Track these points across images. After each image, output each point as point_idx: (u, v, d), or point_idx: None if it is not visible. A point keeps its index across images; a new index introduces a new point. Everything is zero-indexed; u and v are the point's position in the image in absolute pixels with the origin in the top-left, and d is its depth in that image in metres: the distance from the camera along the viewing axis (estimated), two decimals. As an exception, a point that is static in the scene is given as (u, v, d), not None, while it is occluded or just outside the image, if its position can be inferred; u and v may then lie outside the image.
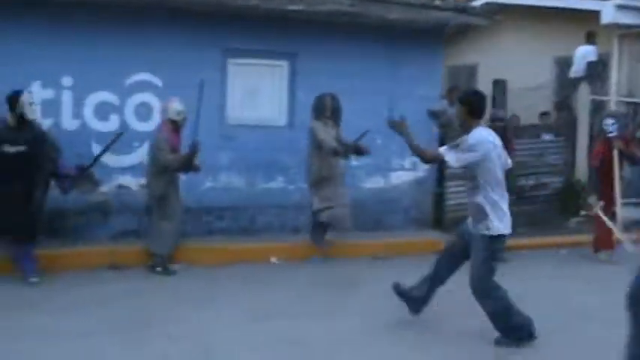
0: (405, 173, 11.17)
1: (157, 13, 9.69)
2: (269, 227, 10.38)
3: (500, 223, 6.18)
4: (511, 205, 11.07)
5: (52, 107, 9.37)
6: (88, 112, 9.52)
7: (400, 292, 6.78)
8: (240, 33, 10.12)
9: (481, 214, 6.21)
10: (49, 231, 9.11)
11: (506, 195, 6.31)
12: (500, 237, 6.22)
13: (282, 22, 10.22)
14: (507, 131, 9.94)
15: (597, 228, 9.94)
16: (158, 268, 8.51)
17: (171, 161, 8.50)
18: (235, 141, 10.22)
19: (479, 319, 6.82)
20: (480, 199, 6.21)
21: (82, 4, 9.29)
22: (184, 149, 8.72)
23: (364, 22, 10.52)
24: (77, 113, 9.49)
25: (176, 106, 8.69)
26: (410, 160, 10.94)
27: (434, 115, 11.30)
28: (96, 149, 9.43)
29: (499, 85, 15.36)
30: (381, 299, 7.40)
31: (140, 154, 9.69)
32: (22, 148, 7.84)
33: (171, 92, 9.63)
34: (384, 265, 9.38)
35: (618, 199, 9.39)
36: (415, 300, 6.69)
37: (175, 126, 8.73)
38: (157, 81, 9.82)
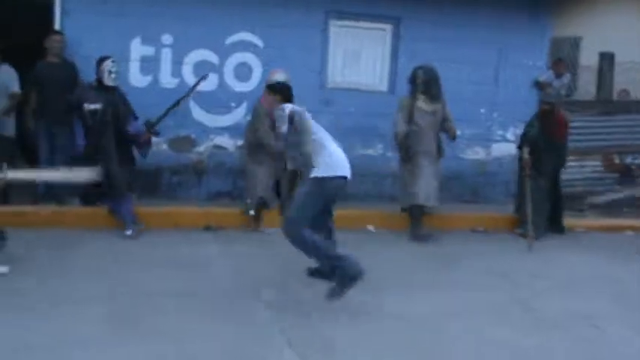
0: (507, 145, 10.74)
1: (259, -29, 9.51)
2: (366, 195, 10.11)
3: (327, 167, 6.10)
4: (615, 184, 10.76)
5: (151, 64, 9.33)
6: (187, 70, 9.43)
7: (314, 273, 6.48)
8: (343, -6, 9.86)
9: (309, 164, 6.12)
10: (145, 189, 9.10)
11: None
12: (327, 179, 6.08)
13: (386, -15, 9.95)
14: (554, 114, 9.28)
15: None
16: (251, 212, 8.50)
17: (271, 147, 8.32)
18: (334, 105, 9.98)
19: (582, 301, 6.56)
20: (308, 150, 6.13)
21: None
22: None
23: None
24: (176, 71, 9.41)
25: (278, 76, 8.49)
26: (513, 131, 10.56)
27: (539, 85, 10.86)
28: (194, 108, 9.39)
29: (606, 58, 14.76)
30: (483, 275, 7.24)
31: (237, 115, 9.58)
32: (98, 105, 7.94)
33: (271, 52, 9.55)
34: (483, 239, 9.07)
35: None
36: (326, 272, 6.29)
37: None
38: (258, 41, 9.64)
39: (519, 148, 9.38)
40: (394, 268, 7.38)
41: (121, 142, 8.12)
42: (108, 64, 8.01)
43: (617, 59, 14.91)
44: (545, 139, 9.07)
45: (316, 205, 6.11)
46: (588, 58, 16.38)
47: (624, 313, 6.42)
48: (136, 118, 8.24)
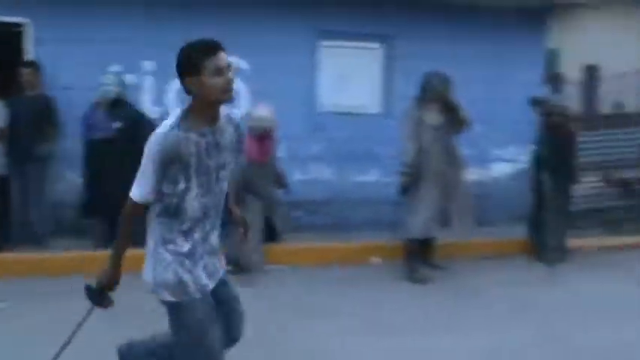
0: (505, 165, 10.32)
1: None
2: (363, 223, 9.54)
3: None
4: (617, 199, 10.27)
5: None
6: (169, 98, 8.96)
7: None
8: (332, 14, 9.40)
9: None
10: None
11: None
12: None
13: (377, 2, 9.48)
14: (564, 129, 8.77)
15: None
16: None
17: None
18: (326, 130, 9.51)
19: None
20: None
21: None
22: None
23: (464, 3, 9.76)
24: (158, 100, 8.95)
25: (261, 111, 7.77)
26: (511, 150, 10.13)
27: (537, 102, 10.41)
28: None
29: (591, 71, 14.42)
30: (505, 312, 6.68)
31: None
32: None
33: (259, 77, 9.04)
34: (495, 266, 8.50)
35: None
36: None
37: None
38: (245, 65, 9.10)
39: (535, 169, 8.90)
40: (405, 309, 6.75)
41: None
42: None
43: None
44: (556, 156, 8.62)
45: None
46: (570, 71, 16.03)
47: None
48: None
